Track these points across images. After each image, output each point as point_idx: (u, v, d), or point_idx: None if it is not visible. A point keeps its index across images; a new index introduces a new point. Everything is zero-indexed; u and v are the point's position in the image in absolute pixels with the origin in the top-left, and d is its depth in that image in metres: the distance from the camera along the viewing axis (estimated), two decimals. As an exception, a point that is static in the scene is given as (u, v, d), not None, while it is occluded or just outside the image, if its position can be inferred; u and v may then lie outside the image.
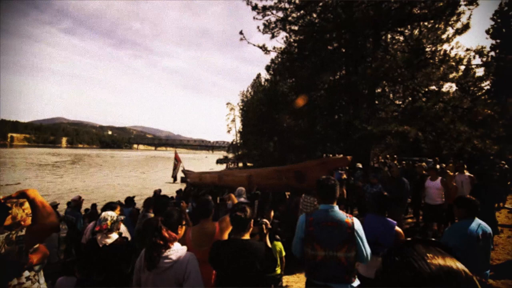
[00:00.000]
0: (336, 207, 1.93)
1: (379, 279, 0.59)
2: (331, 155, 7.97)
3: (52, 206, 5.97)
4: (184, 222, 1.89)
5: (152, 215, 3.82)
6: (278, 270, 3.14)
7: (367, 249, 1.86)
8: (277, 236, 3.27)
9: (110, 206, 3.09)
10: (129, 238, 3.02)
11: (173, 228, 1.73)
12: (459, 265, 0.51)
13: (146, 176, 30.01)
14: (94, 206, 7.47)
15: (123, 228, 3.04)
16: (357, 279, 1.89)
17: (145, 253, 1.62)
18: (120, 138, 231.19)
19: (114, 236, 2.21)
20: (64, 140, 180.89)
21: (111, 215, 2.24)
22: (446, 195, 5.00)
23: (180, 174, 12.40)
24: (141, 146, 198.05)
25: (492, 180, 5.64)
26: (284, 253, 3.28)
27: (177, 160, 11.74)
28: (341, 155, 5.62)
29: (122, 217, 2.47)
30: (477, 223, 2.30)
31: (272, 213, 2.93)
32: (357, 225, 1.87)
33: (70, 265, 2.97)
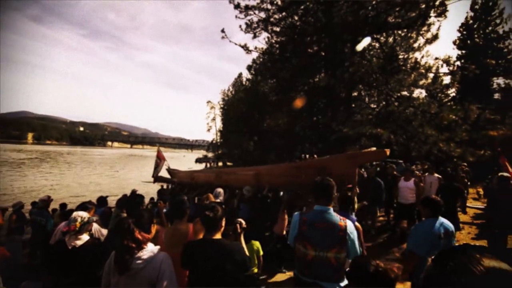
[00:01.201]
0: (331, 210, 1.93)
1: (428, 282, 0.66)
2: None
3: (18, 207, 5.56)
4: (155, 221, 1.84)
5: (125, 215, 3.69)
6: (255, 269, 3.17)
7: (358, 250, 1.90)
8: None
9: (83, 207, 2.93)
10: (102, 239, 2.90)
11: (146, 229, 1.69)
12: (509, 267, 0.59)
13: (121, 175, 28.84)
14: (63, 206, 7.05)
15: (96, 228, 2.91)
16: (345, 280, 1.95)
17: (115, 256, 1.56)
18: (93, 135, 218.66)
19: (84, 237, 2.12)
20: (30, 135, 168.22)
21: (81, 215, 2.13)
22: (417, 195, 5.31)
23: (162, 173, 11.92)
24: (115, 144, 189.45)
25: (456, 181, 6.06)
26: (261, 253, 3.32)
27: (160, 159, 11.11)
28: (374, 148, 4.86)
29: (95, 218, 2.37)
30: (440, 222, 2.46)
31: (286, 217, 2.77)
32: (350, 227, 1.88)
33: (36, 268, 2.81)
